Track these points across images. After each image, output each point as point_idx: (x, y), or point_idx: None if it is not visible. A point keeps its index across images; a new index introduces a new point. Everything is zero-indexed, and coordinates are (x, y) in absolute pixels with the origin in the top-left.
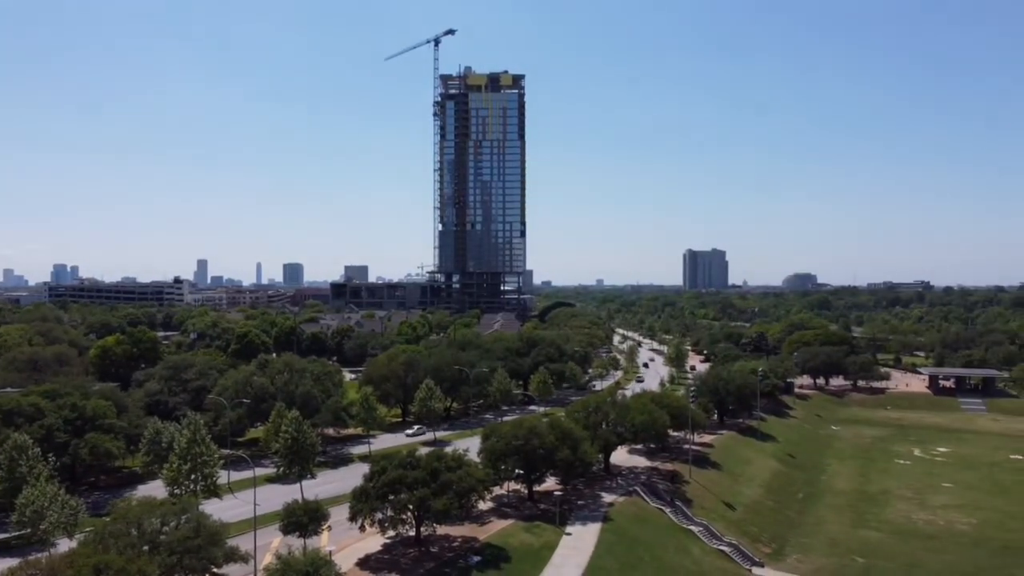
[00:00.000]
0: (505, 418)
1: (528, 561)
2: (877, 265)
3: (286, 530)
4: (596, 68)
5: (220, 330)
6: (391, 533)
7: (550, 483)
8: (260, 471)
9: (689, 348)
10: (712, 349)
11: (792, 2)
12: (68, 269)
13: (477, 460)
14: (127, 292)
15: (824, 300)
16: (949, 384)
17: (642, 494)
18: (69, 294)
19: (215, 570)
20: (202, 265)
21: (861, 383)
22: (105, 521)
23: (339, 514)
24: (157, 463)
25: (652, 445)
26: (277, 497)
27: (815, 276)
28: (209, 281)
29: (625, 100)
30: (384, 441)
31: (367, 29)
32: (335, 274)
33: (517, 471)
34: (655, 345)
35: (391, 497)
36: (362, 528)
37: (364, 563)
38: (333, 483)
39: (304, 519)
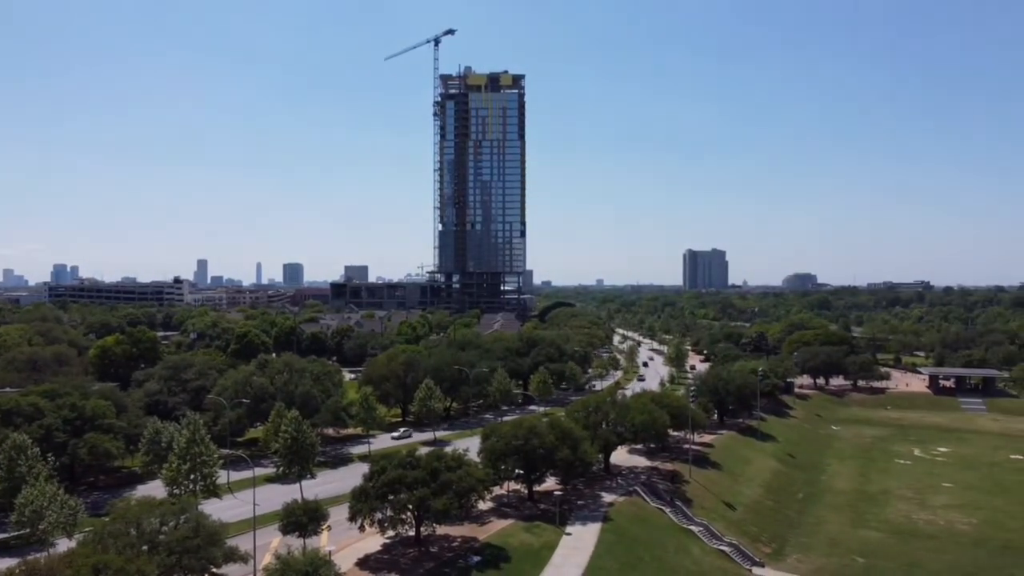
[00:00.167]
0: (505, 418)
1: (528, 561)
2: (877, 265)
3: (285, 530)
4: (596, 68)
5: (220, 330)
6: (391, 533)
7: (550, 483)
8: (260, 471)
9: (689, 348)
10: (712, 349)
11: (792, 4)
12: (68, 269)
13: (477, 460)
14: (127, 292)
15: (824, 300)
16: (949, 384)
17: (642, 494)
18: (69, 294)
19: (214, 570)
20: (202, 265)
21: (861, 383)
22: (104, 521)
23: (339, 514)
24: (156, 463)
25: (652, 445)
26: (277, 497)
27: (815, 276)
28: (209, 281)
29: (625, 100)
30: (384, 441)
31: (367, 29)
32: (335, 274)
33: (517, 471)
34: (655, 345)
35: (391, 497)
36: (362, 528)
37: (364, 563)
38: (333, 483)
39: (304, 519)
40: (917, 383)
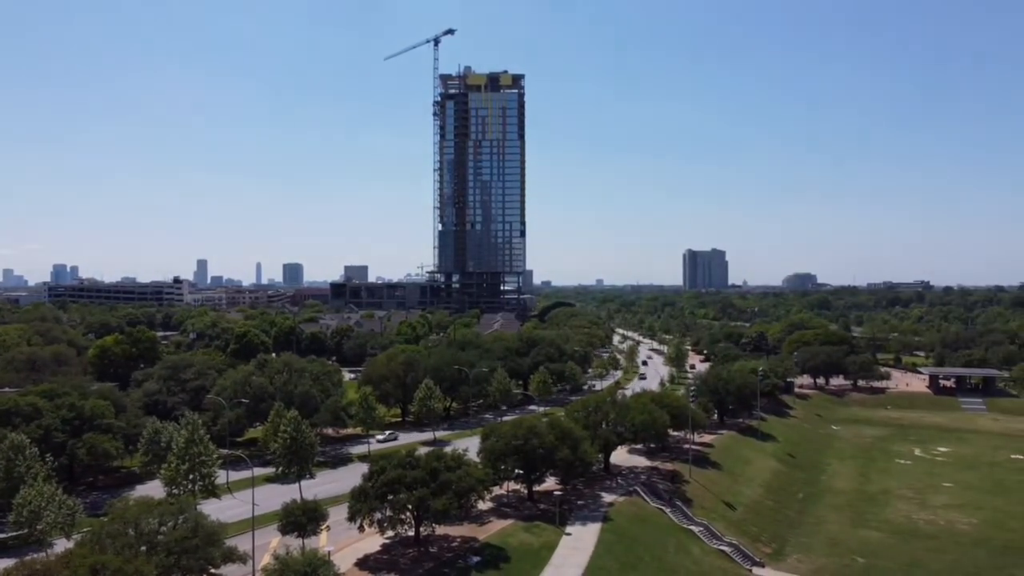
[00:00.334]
0: (505, 418)
1: (528, 561)
2: (877, 265)
3: (284, 530)
4: (596, 68)
5: (219, 330)
6: (390, 533)
7: (550, 483)
8: (259, 471)
9: (689, 348)
10: (712, 349)
11: (792, 5)
12: (68, 269)
13: (477, 460)
14: (127, 292)
15: (824, 300)
16: (949, 384)
17: (642, 494)
18: (68, 294)
19: (213, 570)
20: (202, 265)
21: (861, 383)
22: (102, 521)
23: (338, 514)
24: (155, 463)
25: (652, 445)
26: (276, 497)
27: (815, 276)
28: (209, 281)
29: (625, 100)
30: (398, 438)
31: (367, 29)
32: (335, 274)
33: (517, 471)
34: (655, 345)
35: (390, 497)
36: (361, 528)
37: (363, 563)
38: (332, 483)
39: (303, 519)
40: (917, 383)
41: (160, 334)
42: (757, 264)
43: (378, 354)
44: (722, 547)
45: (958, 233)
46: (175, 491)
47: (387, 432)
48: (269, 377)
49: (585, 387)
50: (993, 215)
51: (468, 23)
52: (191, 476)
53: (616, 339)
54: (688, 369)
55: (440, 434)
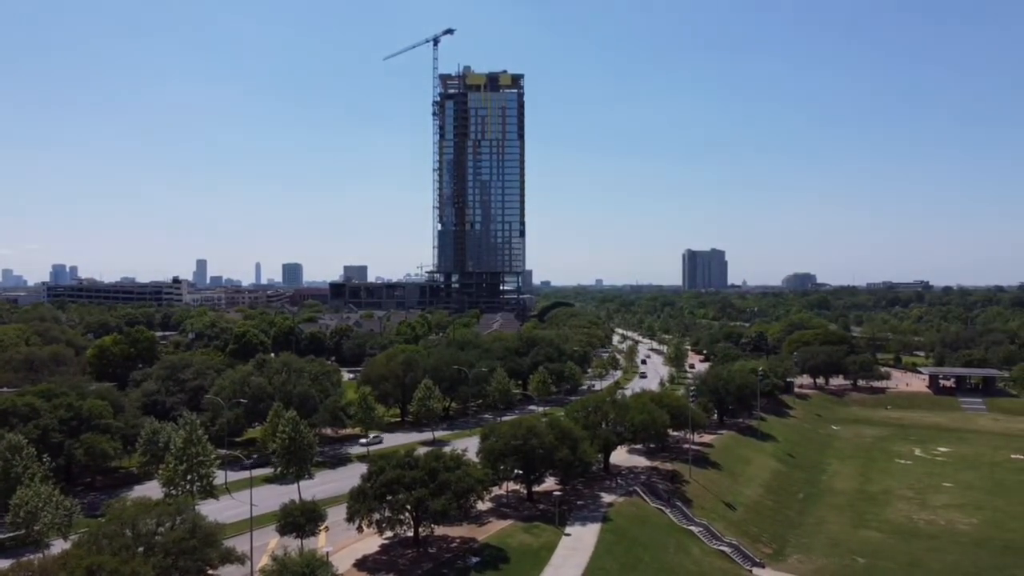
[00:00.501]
0: (504, 418)
1: (527, 562)
2: (876, 265)
3: (283, 531)
4: (595, 68)
5: (218, 330)
6: (389, 534)
7: (549, 483)
8: (257, 471)
9: (689, 348)
10: (712, 349)
11: (789, 2)
12: (67, 269)
13: (476, 460)
14: (126, 292)
15: (823, 300)
16: (949, 384)
17: (642, 494)
18: (67, 294)
19: (210, 571)
20: (201, 265)
21: (861, 383)
22: (100, 522)
23: (337, 514)
24: (154, 463)
25: (652, 445)
26: (274, 497)
27: (814, 276)
28: (208, 281)
29: (624, 100)
30: (383, 441)
31: (366, 29)
32: (334, 274)
33: (516, 471)
34: (655, 345)
35: (389, 497)
36: (360, 529)
37: (361, 564)
38: (331, 483)
39: (301, 520)
40: (917, 383)
41: (159, 334)
42: (756, 264)
43: (377, 354)
44: (722, 547)
45: (957, 233)
46: (173, 492)
47: (371, 435)
48: (268, 377)
49: (585, 387)
50: (992, 215)
51: (467, 23)
52: (189, 476)
53: (616, 339)
54: (688, 369)
55: (439, 434)
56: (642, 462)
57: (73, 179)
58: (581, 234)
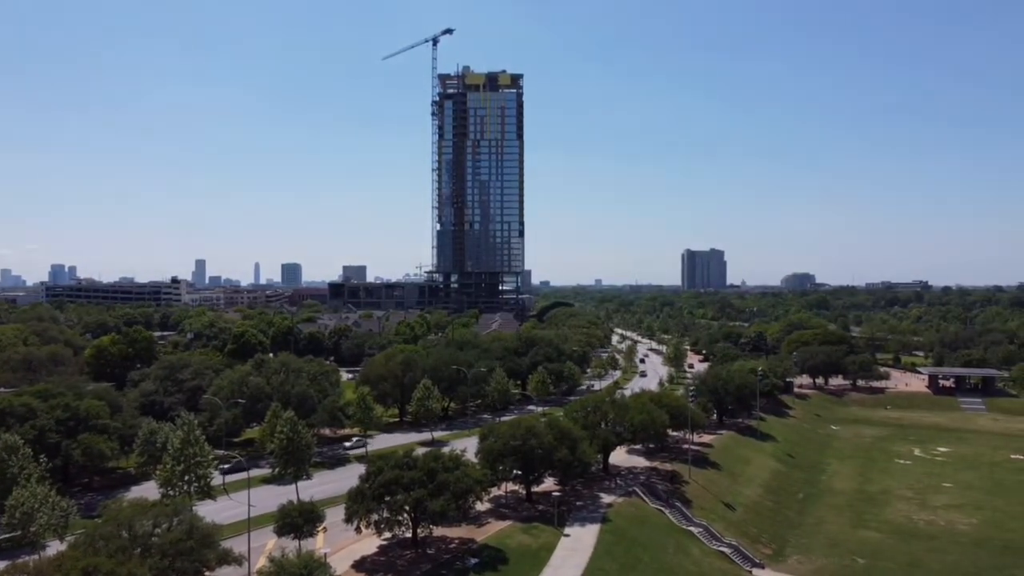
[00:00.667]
0: (503, 418)
1: (526, 563)
2: (875, 265)
3: (281, 532)
4: (595, 67)
5: (217, 330)
6: (387, 535)
7: (548, 484)
8: (256, 472)
9: (688, 348)
10: (711, 349)
11: (789, 3)
12: (66, 269)
13: (475, 460)
14: (124, 292)
15: (822, 300)
16: (949, 384)
17: (641, 495)
18: (66, 294)
19: (207, 573)
20: (200, 265)
21: (860, 383)
22: (96, 523)
23: (335, 515)
24: (151, 464)
25: (651, 445)
26: (272, 498)
27: (813, 276)
28: (207, 281)
29: (624, 100)
30: (382, 441)
31: (365, 29)
32: (333, 274)
33: (515, 472)
34: (654, 345)
35: (387, 498)
36: (358, 530)
37: (360, 565)
38: (329, 484)
39: (299, 520)
40: (916, 383)
41: (157, 334)
42: (756, 264)
43: (376, 354)
44: (722, 548)
45: (956, 233)
46: (170, 492)
47: (355, 439)
48: (266, 377)
49: (584, 387)
50: (992, 215)
51: (467, 23)
52: (187, 477)
53: (615, 339)
54: (687, 369)
55: (438, 434)
56: (641, 462)
57: (72, 180)
58: (580, 234)
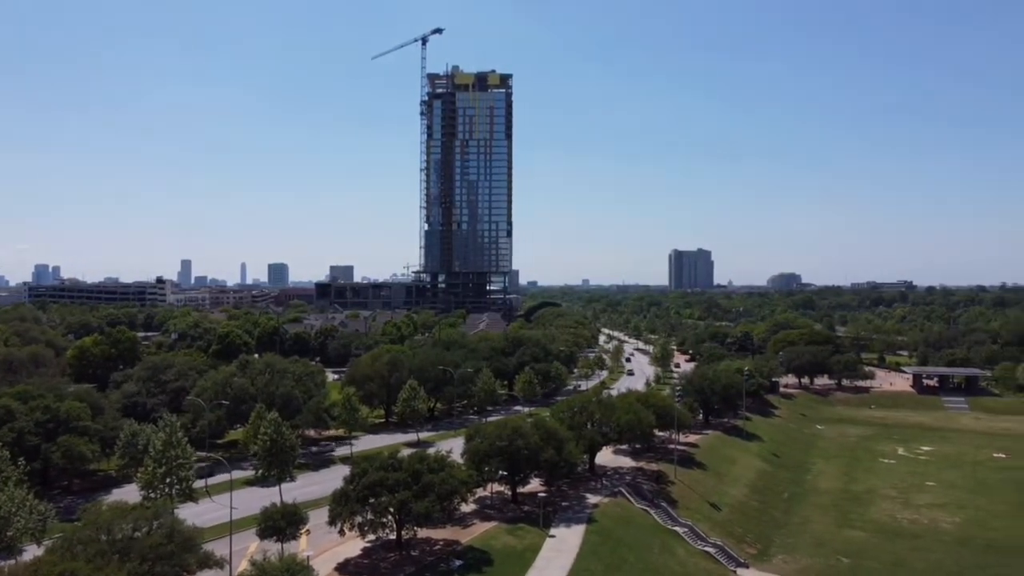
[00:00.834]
0: (489, 418)
1: (511, 564)
2: (861, 265)
3: (263, 534)
4: (583, 68)
5: (202, 330)
6: (371, 537)
7: (534, 484)
8: (239, 474)
9: (675, 348)
10: (698, 348)
11: (776, 4)
12: (50, 269)
13: (460, 461)
14: (109, 292)
15: (808, 300)
16: (933, 383)
17: (627, 495)
18: (49, 294)
19: None
20: (186, 265)
21: (845, 382)
22: (75, 527)
23: (319, 517)
24: (133, 466)
25: (637, 445)
26: (255, 500)
27: (800, 276)
28: (193, 281)
29: (612, 101)
30: (366, 442)
31: (354, 28)
32: (320, 274)
33: (501, 472)
34: (641, 345)
35: (372, 500)
36: (341, 532)
37: (343, 568)
38: (313, 485)
39: (282, 523)
40: (901, 382)
41: (141, 335)
42: (742, 264)
43: (362, 354)
44: (707, 548)
45: (940, 233)
46: (151, 495)
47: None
48: (251, 378)
49: (571, 387)
50: (975, 215)
51: (457, 22)
52: (168, 480)
53: (602, 339)
54: (674, 369)
55: (424, 435)
56: (627, 462)
57: (58, 180)
58: (568, 234)
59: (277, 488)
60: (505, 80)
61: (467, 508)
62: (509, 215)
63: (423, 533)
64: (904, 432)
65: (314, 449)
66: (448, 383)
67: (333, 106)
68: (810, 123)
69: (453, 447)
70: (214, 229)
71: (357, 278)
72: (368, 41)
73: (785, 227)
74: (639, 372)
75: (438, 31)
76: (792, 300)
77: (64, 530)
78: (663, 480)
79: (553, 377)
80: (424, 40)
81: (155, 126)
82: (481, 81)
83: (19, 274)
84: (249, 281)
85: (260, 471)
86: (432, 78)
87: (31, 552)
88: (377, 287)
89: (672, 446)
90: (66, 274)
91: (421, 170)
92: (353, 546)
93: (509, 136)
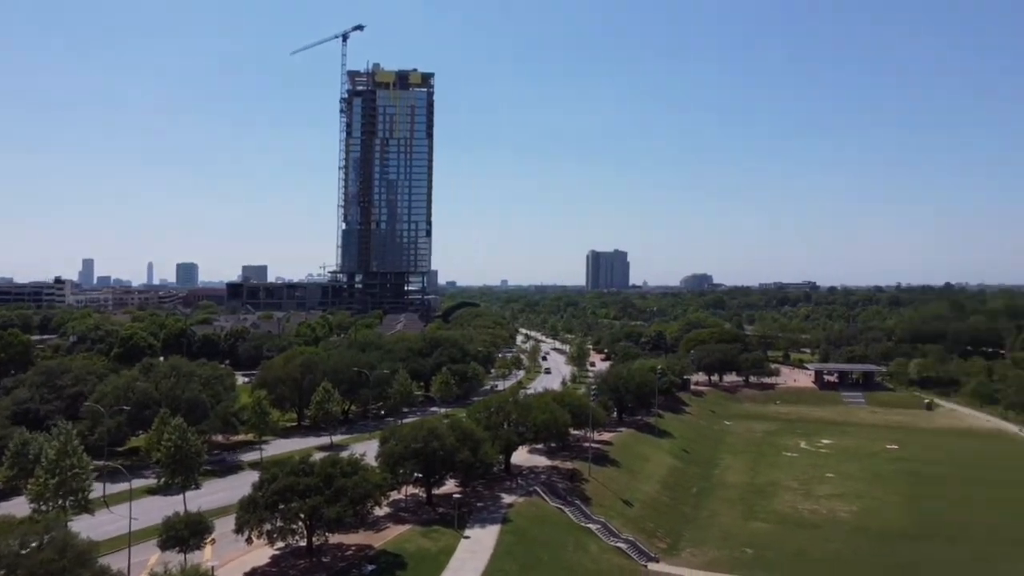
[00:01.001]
0: (405, 420)
1: (425, 567)
2: (768, 266)
3: (164, 545)
4: (505, 69)
5: (103, 333)
6: (280, 544)
7: (450, 486)
8: (140, 482)
9: (591, 347)
10: (613, 348)
11: (679, 9)
12: None
13: (375, 464)
14: (2, 293)
15: (719, 300)
16: (833, 379)
17: (542, 494)
18: None
19: None
20: (88, 265)
21: (753, 379)
22: None
23: (225, 526)
24: (23, 477)
25: (553, 444)
26: (157, 510)
27: (711, 276)
28: (95, 281)
29: (532, 102)
30: (278, 447)
31: (272, 22)
32: (232, 274)
33: (416, 474)
34: (558, 344)
35: (281, 506)
36: (249, 540)
37: None
38: (220, 492)
39: (185, 533)
40: (804, 379)
41: (36, 338)
42: (657, 265)
43: (275, 356)
44: (619, 544)
45: (841, 237)
46: (43, 508)
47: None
48: (155, 382)
49: (488, 387)
50: (872, 218)
51: (378, 21)
52: (62, 491)
53: (520, 339)
54: (589, 368)
55: (337, 438)
56: (543, 462)
57: None
58: (488, 235)
59: (181, 496)
60: (427, 79)
61: (381, 512)
62: (429, 215)
63: (335, 538)
64: (806, 426)
65: (222, 455)
66: (364, 385)
67: (247, 101)
68: (719, 124)
69: (368, 450)
70: (119, 228)
71: (271, 278)
72: (287, 36)
73: (697, 229)
74: (556, 371)
75: (359, 28)
76: (704, 300)
77: None
78: (577, 478)
79: (470, 377)
80: (345, 37)
81: (57, 116)
82: (403, 80)
83: None
84: (156, 281)
85: (163, 479)
86: (352, 75)
87: None
88: (292, 287)
89: (587, 444)
90: None
91: (340, 168)
92: (261, 554)
93: (430, 135)
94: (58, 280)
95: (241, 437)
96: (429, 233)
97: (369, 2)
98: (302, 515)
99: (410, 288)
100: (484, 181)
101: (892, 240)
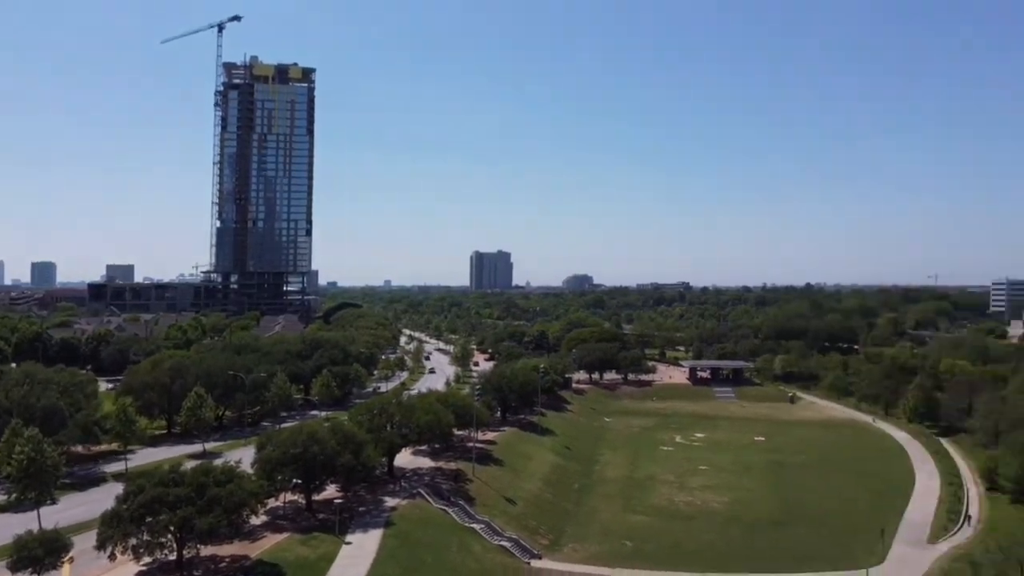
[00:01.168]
0: (284, 424)
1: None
2: (646, 267)
3: (16, 567)
4: (389, 68)
5: None
6: (147, 559)
7: (331, 491)
8: None
9: (474, 347)
10: (496, 348)
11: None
12: None
13: (251, 471)
14: None
15: (599, 300)
16: (706, 375)
17: (426, 495)
18: None
19: None
20: None
21: (631, 376)
22: None
23: (86, 542)
24: None
25: (437, 445)
26: (7, 528)
27: (591, 277)
28: None
29: (416, 100)
30: (145, 456)
31: (140, 5)
32: (95, 274)
33: (295, 480)
34: (442, 345)
35: (149, 519)
36: (112, 556)
37: None
38: (80, 507)
39: (39, 552)
40: (679, 375)
41: None
42: (540, 265)
43: (142, 361)
44: (503, 543)
45: (711, 238)
46: None
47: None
48: (5, 390)
49: (370, 389)
50: (734, 219)
51: (259, 14)
52: None
53: (403, 340)
54: (473, 368)
55: (211, 446)
56: (427, 463)
57: None
58: (371, 235)
59: (35, 513)
60: (308, 74)
61: (258, 520)
62: (309, 214)
63: (208, 551)
64: (681, 421)
65: (83, 467)
66: (239, 389)
67: (114, 90)
68: (596, 127)
69: (243, 457)
70: None
71: (138, 278)
72: (158, 24)
73: (579, 230)
74: (440, 372)
75: (236, 19)
76: (584, 300)
77: None
78: (461, 478)
79: (352, 379)
80: (221, 27)
81: None
82: (282, 74)
83: None
84: (8, 282)
85: (14, 495)
86: (229, 67)
87: None
88: (161, 288)
89: (471, 444)
90: None
91: (214, 164)
92: (126, 571)
93: (311, 132)
94: None
95: (105, 447)
96: (309, 232)
97: None
98: (172, 527)
99: (289, 289)
100: (367, 181)
101: (757, 242)
